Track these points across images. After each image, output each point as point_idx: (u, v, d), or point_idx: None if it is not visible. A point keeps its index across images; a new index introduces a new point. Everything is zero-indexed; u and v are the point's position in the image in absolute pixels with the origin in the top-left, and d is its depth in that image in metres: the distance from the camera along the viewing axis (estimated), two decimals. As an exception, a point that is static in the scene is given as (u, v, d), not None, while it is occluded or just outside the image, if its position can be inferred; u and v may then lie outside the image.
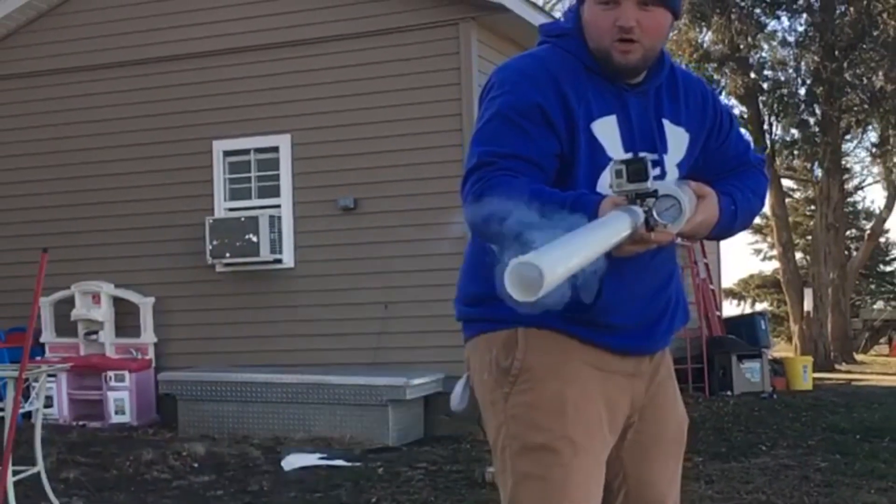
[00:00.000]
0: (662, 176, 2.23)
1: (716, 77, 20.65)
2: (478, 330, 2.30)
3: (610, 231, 1.84)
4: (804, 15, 20.12)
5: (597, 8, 2.17)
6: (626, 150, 2.19)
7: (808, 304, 20.38)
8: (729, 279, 34.06)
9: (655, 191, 1.92)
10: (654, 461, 2.37)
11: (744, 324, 14.56)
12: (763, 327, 14.32)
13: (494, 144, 2.14)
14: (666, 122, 2.28)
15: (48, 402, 8.18)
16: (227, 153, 9.70)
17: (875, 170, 26.02)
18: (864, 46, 19.30)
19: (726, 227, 2.27)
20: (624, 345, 2.27)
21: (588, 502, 2.20)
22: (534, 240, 1.88)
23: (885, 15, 18.93)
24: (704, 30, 20.22)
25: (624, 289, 2.19)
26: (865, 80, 20.14)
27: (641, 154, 2.13)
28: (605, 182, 2.12)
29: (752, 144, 2.51)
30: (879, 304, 32.47)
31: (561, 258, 1.67)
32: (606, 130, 2.20)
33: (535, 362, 2.20)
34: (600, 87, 2.22)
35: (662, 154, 2.25)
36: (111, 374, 9.26)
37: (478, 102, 2.31)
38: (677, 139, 2.29)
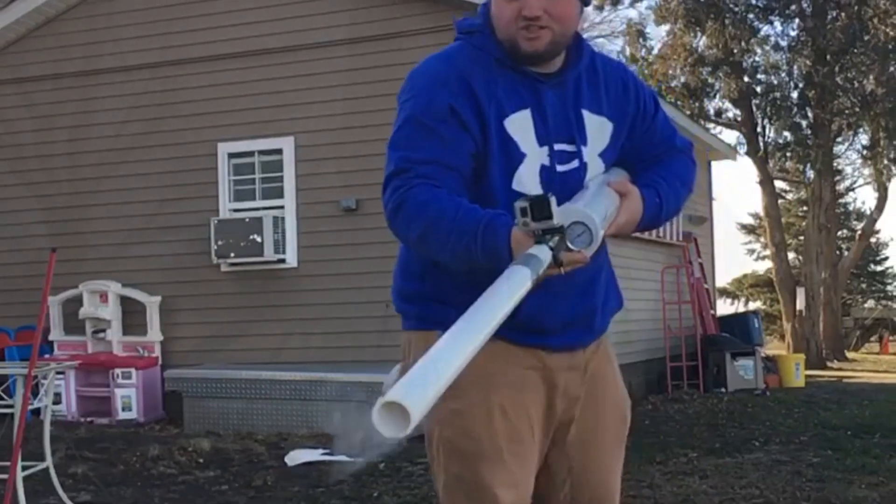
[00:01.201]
0: (582, 168, 2.21)
1: (710, 80, 20.80)
2: (411, 326, 2.29)
3: (507, 297, 1.79)
4: (796, 20, 20.26)
5: (502, 1, 2.14)
6: (541, 144, 2.16)
7: (800, 303, 20.54)
8: (723, 278, 34.18)
9: (562, 226, 1.90)
10: (597, 447, 2.35)
11: (737, 322, 14.63)
12: (756, 326, 14.40)
13: (410, 150, 2.11)
14: (585, 113, 2.22)
15: (57, 399, 8.23)
16: (231, 155, 9.81)
17: (866, 171, 26.10)
18: (855, 51, 19.44)
19: (653, 220, 2.25)
20: (563, 343, 2.24)
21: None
22: (444, 259, 1.99)
23: (875, 20, 19.09)
24: (699, 34, 20.33)
25: (549, 297, 2.13)
26: (856, 84, 20.27)
27: (541, 192, 2.08)
28: (521, 179, 2.14)
29: (677, 129, 2.47)
30: (870, 303, 32.65)
31: (433, 379, 1.59)
32: (520, 126, 2.15)
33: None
34: (513, 81, 2.16)
35: (581, 146, 2.20)
36: (118, 371, 9.35)
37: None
38: (599, 129, 2.24)
